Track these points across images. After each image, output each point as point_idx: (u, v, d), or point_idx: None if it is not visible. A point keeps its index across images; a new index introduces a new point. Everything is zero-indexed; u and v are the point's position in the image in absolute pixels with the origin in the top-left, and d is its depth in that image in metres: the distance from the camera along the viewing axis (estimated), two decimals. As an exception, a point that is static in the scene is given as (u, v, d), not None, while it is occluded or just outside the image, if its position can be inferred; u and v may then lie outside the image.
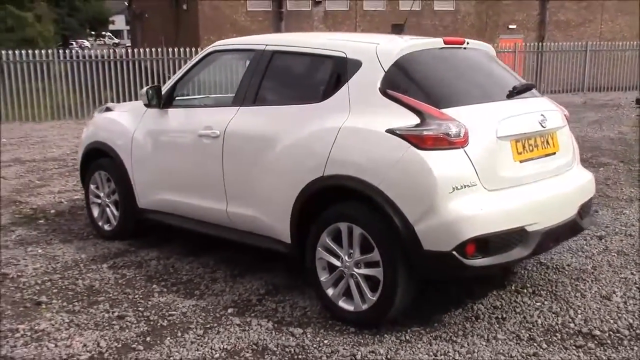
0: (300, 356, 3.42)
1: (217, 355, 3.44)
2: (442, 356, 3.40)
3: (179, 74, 4.96)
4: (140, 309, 4.04)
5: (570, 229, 3.97)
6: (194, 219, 4.75)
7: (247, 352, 3.47)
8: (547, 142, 3.93)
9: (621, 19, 26.72)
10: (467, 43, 4.18)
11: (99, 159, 5.44)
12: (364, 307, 3.68)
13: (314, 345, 3.53)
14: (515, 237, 3.53)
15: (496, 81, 4.09)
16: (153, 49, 15.74)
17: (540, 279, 4.47)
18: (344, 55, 3.92)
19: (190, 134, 4.59)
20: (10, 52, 15.09)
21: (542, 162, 3.85)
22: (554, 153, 3.98)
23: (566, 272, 4.60)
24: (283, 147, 3.98)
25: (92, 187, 5.58)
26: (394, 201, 3.45)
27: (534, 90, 4.26)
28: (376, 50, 3.83)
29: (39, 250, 5.20)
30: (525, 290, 4.26)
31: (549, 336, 3.63)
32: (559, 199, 3.85)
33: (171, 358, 3.40)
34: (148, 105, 4.88)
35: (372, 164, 3.56)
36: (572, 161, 4.18)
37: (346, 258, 3.73)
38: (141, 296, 4.25)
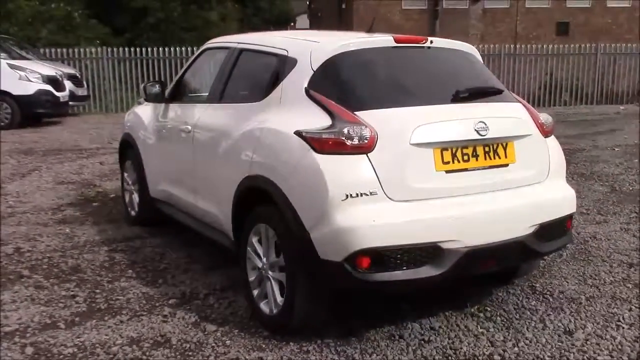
0: (190, 352, 3.43)
1: (120, 341, 3.55)
2: (325, 372, 3.23)
3: (183, 70, 5.15)
4: (97, 291, 4.28)
5: (516, 251, 3.54)
6: (181, 211, 4.92)
7: (148, 342, 3.55)
8: (496, 153, 3.53)
9: None
10: (431, 42, 3.88)
11: (128, 149, 5.82)
12: (275, 311, 3.59)
13: (213, 344, 3.51)
14: (422, 253, 3.23)
15: (452, 84, 3.73)
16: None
17: (512, 304, 4.04)
18: (285, 53, 3.84)
19: (176, 129, 4.77)
20: (166, 49, 16.65)
21: (482, 175, 3.47)
22: (506, 165, 3.57)
23: (550, 300, 4.10)
24: (227, 146, 4.01)
25: (125, 174, 5.98)
26: (294, 206, 3.33)
27: (505, 95, 3.86)
28: (311, 49, 3.70)
29: (67, 230, 5.69)
30: (481, 314, 3.88)
31: (462, 366, 3.29)
32: (497, 216, 3.44)
33: (77, 339, 3.58)
34: (146, 100, 5.14)
35: (280, 167, 3.47)
36: (539, 175, 3.72)
37: (265, 260, 3.67)
38: (109, 279, 4.50)
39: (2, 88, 12.52)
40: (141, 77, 16.91)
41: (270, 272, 3.62)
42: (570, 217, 3.85)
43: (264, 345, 3.50)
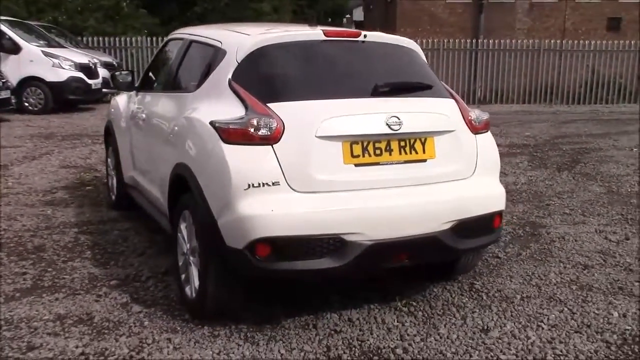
0: (106, 330, 3.57)
1: (46, 317, 3.73)
2: (224, 356, 3.31)
3: (151, 60, 5.31)
4: (48, 269, 4.48)
5: (429, 247, 3.52)
6: (142, 196, 5.08)
7: (72, 319, 3.70)
8: (412, 148, 3.52)
9: None
10: (365, 36, 3.89)
11: (109, 136, 6.03)
12: (193, 296, 3.70)
13: (131, 324, 3.64)
14: (323, 245, 3.27)
15: (376, 78, 3.71)
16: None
17: (443, 300, 4.03)
18: (219, 45, 3.93)
19: (137, 117, 4.93)
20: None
21: (396, 169, 3.48)
22: (424, 160, 3.56)
23: (483, 298, 4.07)
24: (165, 134, 4.14)
25: (108, 160, 6.20)
26: (204, 193, 3.43)
27: (435, 90, 3.84)
28: (238, 41, 3.77)
29: (48, 211, 5.94)
30: (405, 309, 3.89)
31: (365, 356, 3.32)
32: (407, 210, 3.44)
33: (9, 313, 3.76)
34: (115, 89, 5.32)
35: (197, 155, 3.58)
36: (464, 171, 3.69)
37: (188, 245, 3.78)
38: (65, 259, 4.69)
39: (36, 74, 13.05)
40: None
41: (191, 257, 3.72)
42: (498, 214, 3.81)
43: (178, 328, 3.61)
